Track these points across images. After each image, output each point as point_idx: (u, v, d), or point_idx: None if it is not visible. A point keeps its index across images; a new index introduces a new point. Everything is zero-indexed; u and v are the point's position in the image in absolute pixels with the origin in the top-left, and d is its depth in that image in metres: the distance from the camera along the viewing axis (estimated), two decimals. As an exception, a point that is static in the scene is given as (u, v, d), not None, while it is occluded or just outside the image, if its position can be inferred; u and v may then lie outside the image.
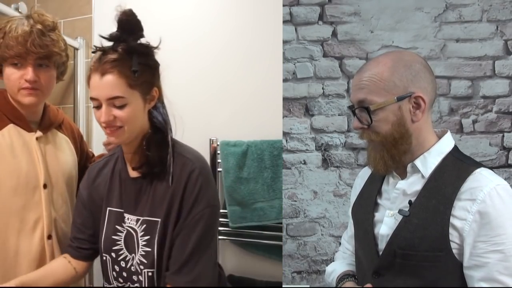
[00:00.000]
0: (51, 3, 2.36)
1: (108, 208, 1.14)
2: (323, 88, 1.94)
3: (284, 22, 1.92)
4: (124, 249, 1.10)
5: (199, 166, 1.09)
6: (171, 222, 1.05)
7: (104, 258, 1.13)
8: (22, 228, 1.22)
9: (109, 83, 1.00)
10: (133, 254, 1.08)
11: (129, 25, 1.03)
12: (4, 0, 1.80)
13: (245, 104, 1.95)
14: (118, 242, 1.10)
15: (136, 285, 1.08)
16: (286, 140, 1.96)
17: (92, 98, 1.03)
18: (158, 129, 1.11)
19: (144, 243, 1.06)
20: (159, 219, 1.06)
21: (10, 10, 1.82)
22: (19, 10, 1.87)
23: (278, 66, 1.91)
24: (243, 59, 1.96)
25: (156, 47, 1.09)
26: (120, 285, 1.11)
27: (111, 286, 1.13)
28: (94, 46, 1.06)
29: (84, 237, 1.19)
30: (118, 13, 1.02)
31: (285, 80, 1.93)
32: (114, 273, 1.12)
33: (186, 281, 1.03)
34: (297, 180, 1.96)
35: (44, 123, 1.30)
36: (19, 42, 1.14)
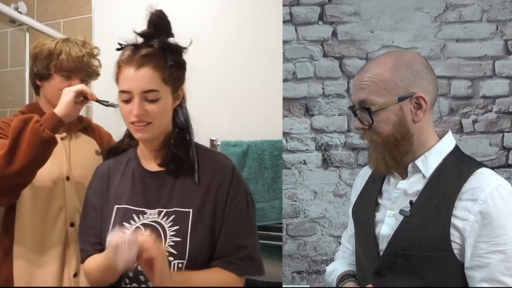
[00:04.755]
0: (51, 3, 2.37)
1: (116, 206, 1.13)
2: (323, 88, 1.94)
3: (284, 22, 1.92)
4: None
5: (230, 160, 1.17)
6: (206, 212, 1.08)
7: None
8: (47, 215, 1.35)
9: (145, 76, 1.01)
10: None
11: (161, 24, 1.06)
12: (4, 0, 1.80)
13: (245, 104, 1.95)
14: None
15: (142, 285, 1.06)
16: (286, 140, 1.96)
17: (123, 92, 1.04)
18: (182, 129, 1.13)
19: (173, 233, 1.05)
20: (190, 210, 1.07)
21: (10, 10, 1.82)
22: (19, 10, 1.87)
23: (278, 66, 1.91)
24: (243, 59, 1.96)
25: (186, 48, 1.12)
26: (126, 286, 1.09)
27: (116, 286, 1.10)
28: (119, 43, 1.07)
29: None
30: (150, 13, 1.05)
31: (285, 80, 1.93)
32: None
33: (245, 255, 1.09)
34: (297, 180, 1.96)
35: (69, 126, 1.40)
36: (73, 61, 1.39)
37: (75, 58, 1.38)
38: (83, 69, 1.41)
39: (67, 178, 1.39)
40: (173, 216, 1.07)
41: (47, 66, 1.39)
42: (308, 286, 1.97)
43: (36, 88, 1.47)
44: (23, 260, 1.33)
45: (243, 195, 1.13)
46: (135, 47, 1.04)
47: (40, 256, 1.34)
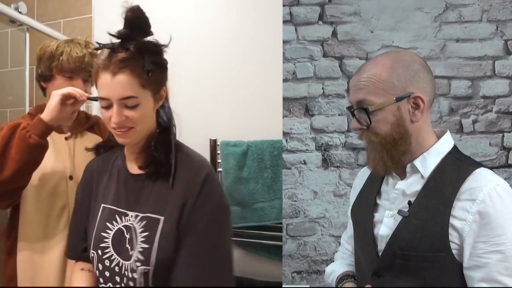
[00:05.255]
0: (51, 3, 2.37)
1: (102, 205, 1.13)
2: (323, 88, 1.94)
3: (284, 22, 1.92)
4: (111, 247, 1.07)
5: (206, 167, 1.09)
6: (174, 220, 1.03)
7: (92, 254, 1.10)
8: (50, 213, 1.37)
9: (122, 83, 0.98)
10: (120, 255, 1.06)
11: (138, 22, 1.00)
12: (4, 0, 1.80)
13: (245, 104, 1.95)
14: (106, 240, 1.08)
15: (117, 286, 1.05)
16: (286, 140, 1.95)
17: (101, 98, 1.01)
18: (164, 129, 1.11)
19: (143, 239, 1.03)
20: (162, 217, 1.04)
21: (10, 10, 1.82)
22: (19, 10, 1.87)
23: (278, 66, 1.91)
24: (243, 59, 1.96)
25: (166, 46, 1.07)
26: (100, 285, 1.08)
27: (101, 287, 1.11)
28: (98, 42, 1.03)
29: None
30: (125, 10, 0.99)
31: (285, 80, 1.93)
32: (97, 271, 1.09)
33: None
34: (297, 180, 1.96)
35: (74, 126, 1.48)
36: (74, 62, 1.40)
37: (75, 59, 1.39)
38: (84, 69, 1.41)
39: (70, 177, 1.40)
40: (144, 222, 1.05)
41: (50, 67, 1.41)
42: (308, 286, 1.97)
43: (43, 90, 1.49)
44: (26, 257, 1.35)
45: (212, 207, 1.05)
46: (112, 50, 1.00)
47: (43, 253, 1.36)
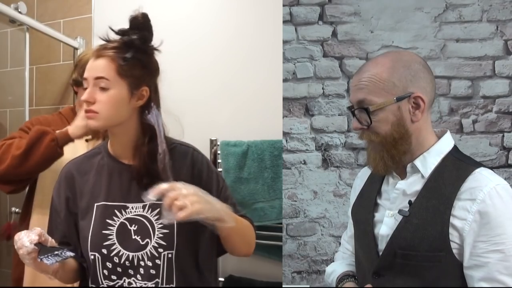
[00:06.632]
0: (51, 3, 2.37)
1: (95, 204, 1.12)
2: (323, 88, 1.94)
3: (284, 22, 1.92)
4: (117, 243, 1.07)
5: (196, 150, 1.22)
6: None
7: (92, 256, 1.09)
8: None
9: (100, 65, 1.06)
10: (128, 248, 1.07)
11: (138, 24, 1.08)
12: (4, 0, 1.80)
13: (245, 104, 1.95)
14: (110, 237, 1.08)
15: (132, 279, 1.07)
16: (286, 140, 1.96)
17: (84, 79, 1.08)
18: (151, 133, 1.11)
19: (161, 225, 1.08)
20: None
21: (10, 10, 1.82)
22: (19, 10, 1.87)
23: (278, 66, 1.91)
24: (243, 59, 1.96)
25: (156, 48, 1.12)
26: (112, 283, 1.08)
27: (103, 286, 1.10)
28: (100, 37, 1.11)
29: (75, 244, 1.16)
30: (133, 13, 1.08)
31: (285, 80, 1.93)
32: (105, 271, 1.08)
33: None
34: (297, 180, 1.96)
35: (96, 131, 1.52)
36: None
37: None
38: None
39: None
40: (158, 209, 1.09)
41: (82, 74, 1.47)
42: (308, 286, 1.96)
43: (75, 93, 1.66)
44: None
45: (216, 172, 1.23)
46: (107, 41, 1.09)
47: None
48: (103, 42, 1.09)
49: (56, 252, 0.99)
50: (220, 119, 1.98)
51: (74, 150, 1.47)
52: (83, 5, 2.25)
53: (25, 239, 0.95)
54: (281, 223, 1.91)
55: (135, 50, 1.08)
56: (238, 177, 1.86)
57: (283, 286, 1.93)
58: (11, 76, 2.37)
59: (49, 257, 0.97)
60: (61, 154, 1.39)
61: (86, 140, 1.54)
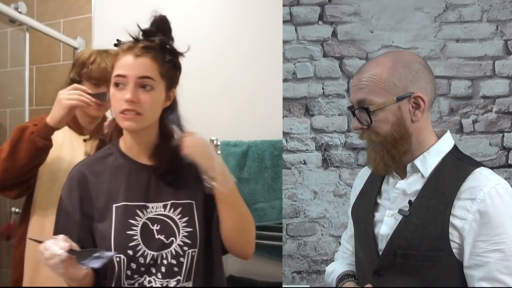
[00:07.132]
0: (51, 2, 2.37)
1: (114, 205, 1.09)
2: (323, 88, 1.94)
3: (284, 22, 1.92)
4: (141, 243, 1.06)
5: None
6: (201, 202, 1.13)
7: (118, 259, 1.05)
8: None
9: (143, 64, 1.04)
10: (151, 248, 1.06)
11: (163, 27, 1.11)
12: (4, 0, 1.80)
13: (245, 104, 1.95)
14: (134, 237, 1.06)
15: (152, 277, 1.06)
16: (286, 140, 1.96)
17: (118, 76, 1.04)
18: (168, 130, 1.12)
19: (185, 224, 1.09)
20: (193, 201, 1.12)
21: (10, 10, 1.82)
22: (19, 10, 1.87)
23: (278, 66, 1.91)
24: (243, 59, 1.96)
25: (182, 54, 1.15)
26: (132, 282, 1.06)
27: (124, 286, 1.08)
28: (118, 40, 1.10)
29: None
30: (153, 17, 1.09)
31: (285, 80, 1.93)
32: (128, 271, 1.06)
33: None
34: (297, 180, 1.96)
35: (95, 130, 1.56)
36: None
37: (103, 69, 1.46)
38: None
39: None
40: (180, 208, 1.11)
41: (79, 74, 1.50)
42: (308, 286, 1.97)
43: None
44: (36, 244, 1.40)
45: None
46: (135, 40, 1.08)
47: None
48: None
49: (95, 255, 0.95)
50: (220, 119, 1.98)
51: (72, 151, 1.49)
52: (83, 5, 2.25)
53: (54, 248, 0.92)
54: (281, 223, 1.91)
55: (168, 52, 1.10)
56: (238, 177, 1.86)
57: (283, 286, 1.93)
58: (11, 76, 2.37)
59: (92, 261, 0.94)
60: (48, 144, 1.35)
61: (84, 140, 1.54)
